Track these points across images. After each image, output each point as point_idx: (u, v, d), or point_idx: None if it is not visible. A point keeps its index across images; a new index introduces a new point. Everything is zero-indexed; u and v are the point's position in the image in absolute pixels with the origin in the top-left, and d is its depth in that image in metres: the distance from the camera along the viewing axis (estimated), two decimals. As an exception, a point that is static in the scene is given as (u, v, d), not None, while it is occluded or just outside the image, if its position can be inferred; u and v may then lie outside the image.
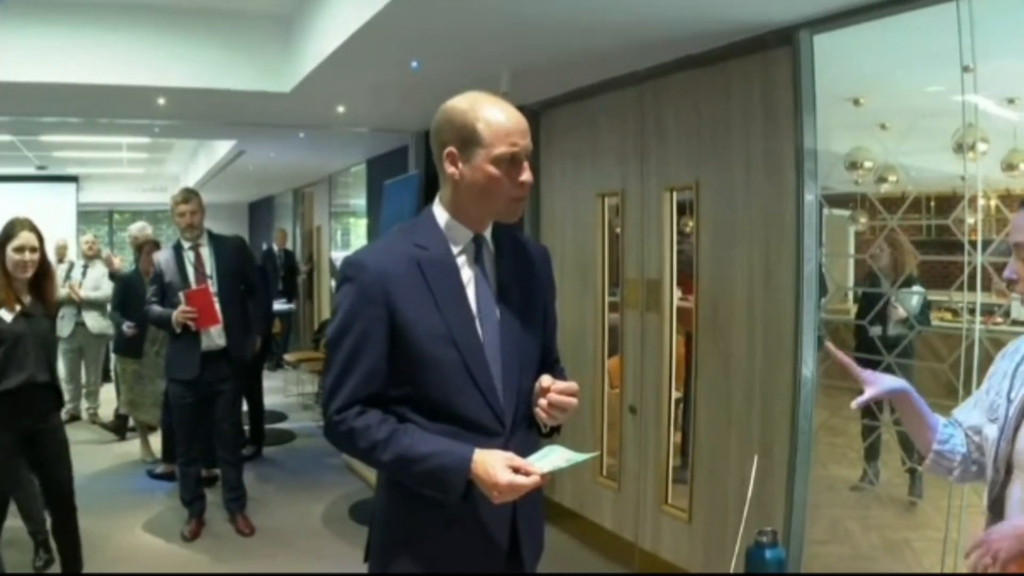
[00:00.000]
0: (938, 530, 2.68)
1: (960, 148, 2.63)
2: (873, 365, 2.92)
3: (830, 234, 3.20)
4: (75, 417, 7.05)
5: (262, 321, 4.77)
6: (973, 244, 2.59)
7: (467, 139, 1.53)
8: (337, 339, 1.56)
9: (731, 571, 1.71)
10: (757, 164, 3.33)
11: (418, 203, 4.88)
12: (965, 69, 2.55)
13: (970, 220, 2.63)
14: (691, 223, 3.72)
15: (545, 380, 1.60)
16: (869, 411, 2.99)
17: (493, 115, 1.53)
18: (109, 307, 6.31)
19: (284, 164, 8.81)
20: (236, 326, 4.36)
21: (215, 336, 4.28)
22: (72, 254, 7.97)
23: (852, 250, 3.33)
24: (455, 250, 1.61)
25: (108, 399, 6.91)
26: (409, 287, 1.55)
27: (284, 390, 8.55)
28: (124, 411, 6.24)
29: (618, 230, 4.26)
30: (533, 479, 1.44)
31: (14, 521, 3.63)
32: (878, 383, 1.61)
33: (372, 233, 7.61)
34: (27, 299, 3.29)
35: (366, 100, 4.95)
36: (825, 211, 3.11)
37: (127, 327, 5.51)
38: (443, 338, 1.54)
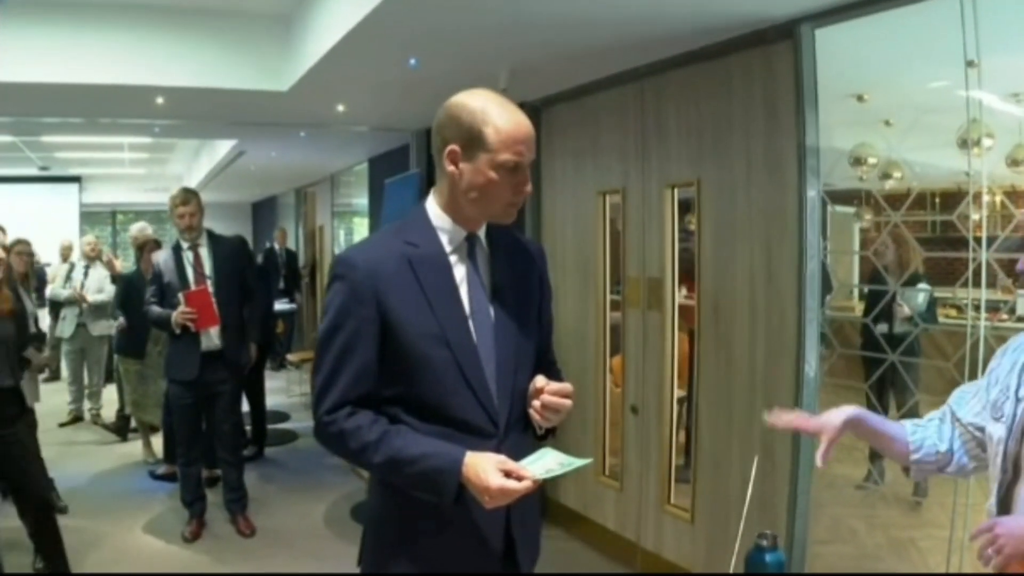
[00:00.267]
0: (943, 529, 2.65)
1: (965, 144, 2.60)
2: (878, 363, 2.90)
3: (835, 231, 3.18)
4: (78, 418, 7.07)
5: (258, 326, 4.74)
6: (978, 240, 2.56)
7: (473, 141, 1.50)
8: (327, 338, 1.53)
9: (731, 571, 1.68)
10: (759, 160, 3.30)
11: (419, 201, 4.85)
12: (969, 64, 2.52)
13: (975, 216, 2.61)
14: (695, 220, 3.69)
15: (539, 381, 1.57)
16: (873, 410, 2.95)
17: (503, 121, 1.50)
18: (111, 308, 6.33)
19: (285, 164, 8.80)
20: (233, 328, 4.34)
21: (215, 337, 4.27)
22: (76, 255, 7.98)
23: (857, 247, 3.30)
24: (448, 248, 1.58)
25: (110, 400, 6.91)
26: (400, 286, 1.52)
27: (287, 390, 8.54)
28: (128, 412, 6.24)
29: (619, 227, 4.23)
30: (525, 484, 1.41)
31: (14, 522, 3.61)
32: (829, 425, 1.57)
33: (374, 232, 7.59)
34: None
35: (365, 99, 4.93)
36: (829, 208, 3.09)
37: (119, 321, 5.61)
38: (435, 337, 1.52)
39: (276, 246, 10.85)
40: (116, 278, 6.56)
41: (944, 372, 2.66)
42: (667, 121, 3.80)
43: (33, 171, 10.37)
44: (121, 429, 6.61)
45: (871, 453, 3.02)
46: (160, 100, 4.70)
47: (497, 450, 1.50)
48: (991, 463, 1.52)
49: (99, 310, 6.57)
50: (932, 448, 1.61)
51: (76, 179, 11.47)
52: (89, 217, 13.33)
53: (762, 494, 3.20)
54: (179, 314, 4.12)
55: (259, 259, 9.80)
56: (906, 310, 2.93)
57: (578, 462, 1.48)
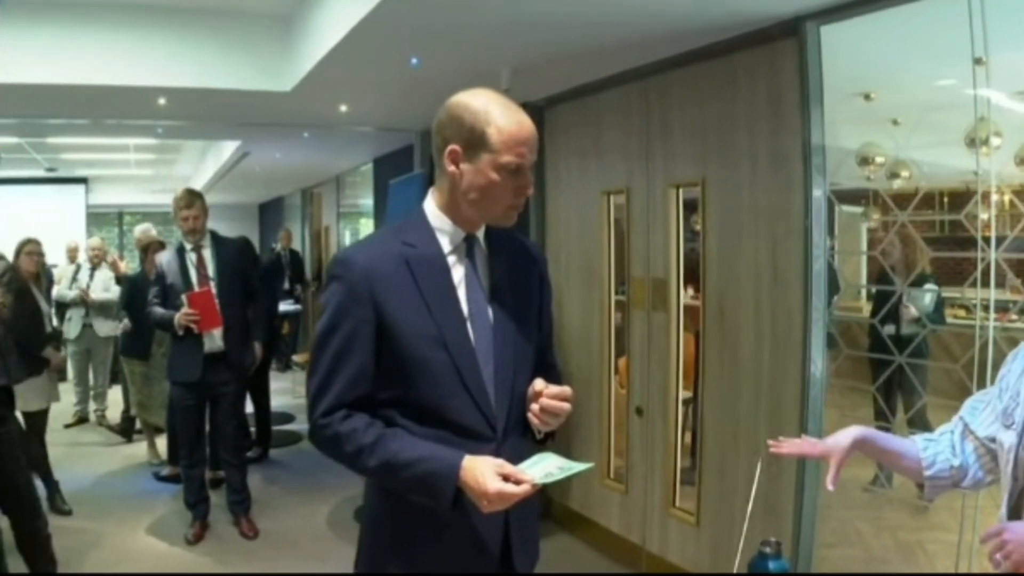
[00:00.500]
0: (951, 532, 2.63)
1: (973, 142, 2.57)
2: (886, 365, 2.87)
3: (843, 231, 3.16)
4: (83, 419, 7.08)
5: (261, 328, 4.73)
6: (987, 240, 2.53)
7: (475, 141, 1.48)
8: (323, 340, 1.51)
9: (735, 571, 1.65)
10: (764, 159, 3.27)
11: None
12: (977, 62, 2.49)
13: (983, 216, 2.58)
14: (700, 220, 3.66)
15: (538, 384, 1.55)
16: (880, 412, 2.93)
17: (506, 122, 1.47)
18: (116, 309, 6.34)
19: (290, 165, 8.80)
20: (236, 330, 4.33)
21: (217, 338, 4.26)
22: (82, 256, 8.00)
23: (865, 247, 3.26)
24: (446, 249, 1.56)
25: (115, 401, 6.91)
26: (397, 286, 1.50)
27: (292, 391, 8.52)
28: (133, 413, 6.24)
29: (624, 227, 4.20)
30: (524, 488, 1.38)
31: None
32: (836, 448, 1.53)
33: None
34: None
35: (368, 99, 4.91)
36: (837, 208, 3.05)
37: (123, 323, 5.61)
38: (432, 339, 1.49)
39: (280, 247, 10.85)
40: (121, 279, 6.56)
41: (952, 374, 2.64)
42: (671, 120, 3.77)
43: (40, 172, 10.39)
44: (126, 430, 6.63)
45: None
46: (162, 101, 4.70)
47: (495, 454, 1.48)
48: (1002, 471, 1.48)
49: (105, 311, 6.58)
50: (945, 464, 1.57)
51: (83, 180, 11.49)
52: (96, 218, 13.37)
53: (768, 497, 3.17)
54: (182, 315, 4.11)
55: (264, 260, 9.81)
56: (913, 311, 2.90)
57: (578, 466, 1.45)
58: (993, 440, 1.53)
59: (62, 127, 6.40)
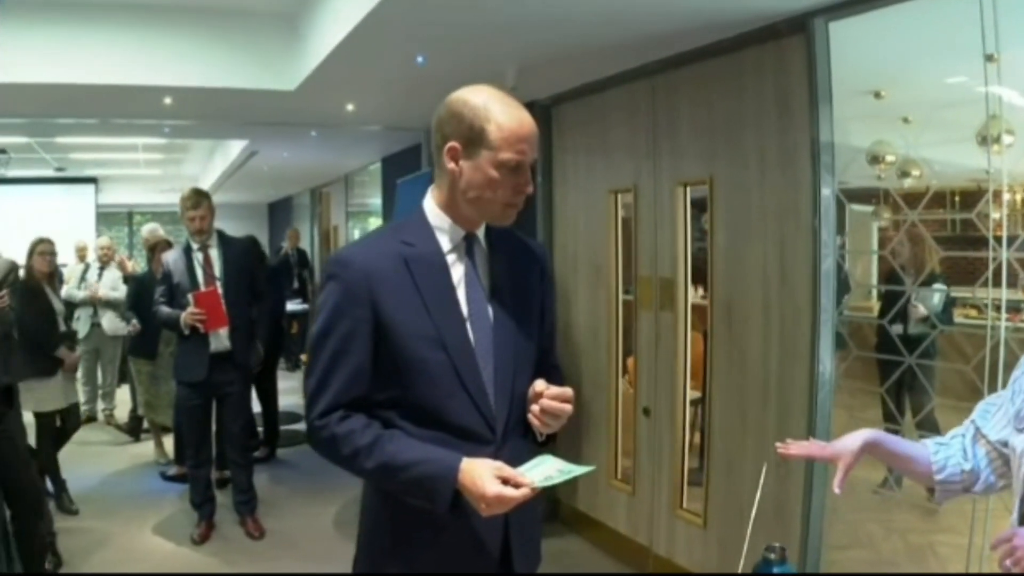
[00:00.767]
0: (962, 535, 2.59)
1: (984, 141, 2.54)
2: (895, 365, 2.83)
3: (853, 230, 3.12)
4: (91, 418, 7.09)
5: (265, 328, 4.72)
6: (998, 239, 2.50)
7: (474, 138, 1.46)
8: (320, 340, 1.49)
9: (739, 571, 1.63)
10: (772, 158, 3.24)
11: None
12: (988, 58, 2.46)
13: (995, 215, 2.55)
14: (707, 219, 3.63)
15: (539, 385, 1.52)
16: (889, 414, 2.90)
17: (506, 119, 1.45)
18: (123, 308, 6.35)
19: (298, 164, 8.80)
20: (241, 329, 4.33)
21: (224, 338, 4.26)
22: (91, 255, 8.03)
23: (875, 247, 3.23)
24: (445, 248, 1.54)
25: (123, 400, 6.93)
26: (395, 286, 1.48)
27: (300, 391, 8.51)
28: (141, 412, 6.25)
29: (631, 226, 4.17)
30: (523, 491, 1.36)
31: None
32: (845, 451, 1.50)
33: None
34: None
35: (374, 97, 4.90)
36: (847, 207, 3.02)
37: (132, 324, 5.62)
38: (431, 340, 1.47)
39: (287, 247, 10.86)
40: (128, 279, 6.58)
41: (963, 375, 2.60)
42: (679, 118, 3.74)
43: (49, 172, 10.43)
44: (134, 430, 6.64)
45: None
46: (168, 100, 4.70)
47: (495, 456, 1.45)
48: (1015, 476, 1.45)
49: (114, 310, 6.59)
50: (957, 468, 1.53)
51: (92, 180, 11.53)
52: (105, 218, 13.41)
53: (776, 499, 3.14)
54: (188, 315, 4.11)
55: (272, 260, 9.81)
56: (921, 310, 2.87)
57: (578, 469, 1.43)
58: (1005, 444, 1.49)
59: (70, 127, 6.41)
